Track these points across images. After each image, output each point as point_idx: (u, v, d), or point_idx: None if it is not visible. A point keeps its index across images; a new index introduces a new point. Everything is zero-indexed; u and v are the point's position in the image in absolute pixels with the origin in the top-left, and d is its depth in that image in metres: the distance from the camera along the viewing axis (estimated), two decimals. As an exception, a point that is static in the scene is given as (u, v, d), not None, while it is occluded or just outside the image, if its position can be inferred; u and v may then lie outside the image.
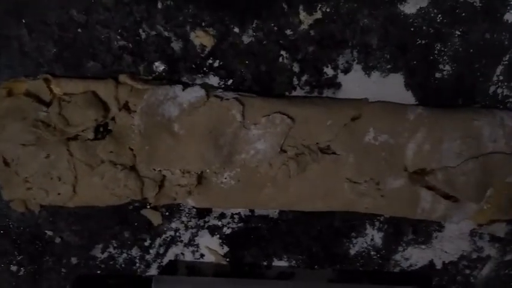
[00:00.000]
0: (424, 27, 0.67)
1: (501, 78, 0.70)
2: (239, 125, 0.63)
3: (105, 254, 0.71)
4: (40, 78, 0.62)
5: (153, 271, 0.73)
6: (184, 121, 0.63)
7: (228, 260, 0.74)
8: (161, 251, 0.72)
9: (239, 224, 0.73)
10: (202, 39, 0.65)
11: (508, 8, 0.67)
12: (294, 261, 0.75)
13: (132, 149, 0.63)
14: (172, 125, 0.63)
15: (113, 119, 0.63)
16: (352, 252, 0.75)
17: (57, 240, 0.70)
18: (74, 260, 0.71)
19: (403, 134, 0.66)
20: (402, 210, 0.69)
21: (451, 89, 0.70)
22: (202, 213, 0.72)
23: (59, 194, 0.63)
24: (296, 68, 0.68)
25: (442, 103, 0.69)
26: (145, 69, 0.66)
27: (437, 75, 0.69)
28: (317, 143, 0.65)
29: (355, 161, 0.65)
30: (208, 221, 0.72)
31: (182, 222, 0.72)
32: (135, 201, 0.69)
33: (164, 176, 0.65)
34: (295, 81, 0.68)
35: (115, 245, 0.71)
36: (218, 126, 0.63)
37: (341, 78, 0.69)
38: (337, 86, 0.69)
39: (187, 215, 0.71)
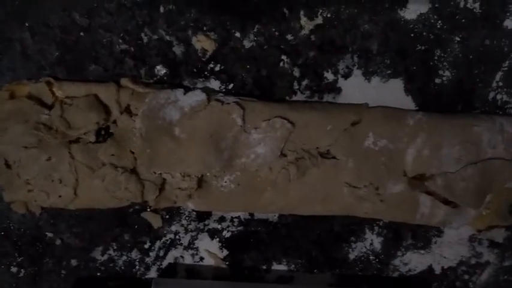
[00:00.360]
0: (424, 33, 0.68)
1: (500, 84, 0.70)
2: (240, 129, 0.64)
3: (105, 256, 0.72)
4: (42, 81, 0.63)
5: (152, 274, 0.73)
6: (185, 125, 0.63)
7: (227, 263, 0.74)
8: (161, 253, 0.73)
9: (239, 228, 0.73)
10: (203, 43, 0.66)
11: (508, 14, 0.68)
12: (293, 265, 0.75)
13: (133, 152, 0.64)
14: (173, 129, 0.63)
15: (115, 122, 0.64)
16: (352, 256, 0.75)
17: (58, 242, 0.70)
18: (74, 262, 0.71)
19: (402, 139, 0.66)
20: (401, 215, 0.69)
21: (450, 94, 0.70)
22: (202, 216, 0.72)
23: (60, 196, 0.63)
24: (297, 72, 0.68)
25: (441, 108, 0.69)
26: (147, 73, 0.66)
27: (437, 80, 0.69)
28: (317, 148, 0.65)
29: (355, 166, 0.66)
30: (208, 224, 0.72)
31: (182, 225, 0.72)
32: (136, 204, 0.69)
33: (164, 179, 0.65)
34: (296, 85, 0.68)
35: (115, 248, 0.71)
36: (219, 130, 0.63)
37: (341, 83, 0.69)
38: (338, 90, 0.69)
39: (187, 218, 0.72)
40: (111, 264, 0.72)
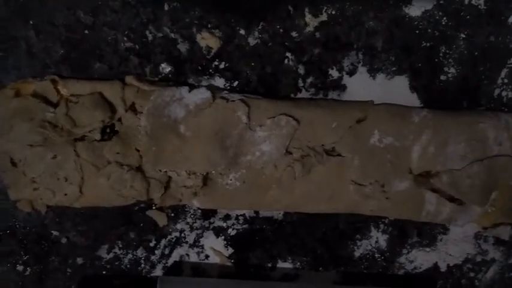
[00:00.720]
0: (429, 30, 0.68)
1: (506, 81, 0.70)
2: (245, 126, 0.64)
3: (111, 255, 0.72)
4: (47, 79, 0.63)
5: (158, 272, 0.73)
6: (191, 122, 0.63)
7: (232, 261, 0.74)
8: (166, 251, 0.73)
9: (244, 226, 0.73)
10: (208, 41, 0.66)
11: (513, 11, 0.68)
12: (298, 263, 0.75)
13: (138, 150, 0.64)
14: (178, 126, 0.63)
15: (120, 120, 0.64)
16: (357, 254, 0.75)
17: (63, 240, 0.70)
18: (79, 260, 0.71)
19: (408, 136, 0.66)
20: (407, 212, 0.69)
21: (455, 91, 0.70)
22: (207, 214, 0.72)
23: (65, 194, 0.63)
24: (301, 70, 0.68)
25: (447, 105, 0.69)
26: (152, 71, 0.66)
27: (442, 77, 0.69)
28: (322, 145, 0.65)
29: (360, 163, 0.66)
30: (213, 222, 0.72)
31: (187, 223, 0.72)
32: (141, 202, 0.69)
33: (170, 177, 0.65)
34: (301, 83, 0.68)
35: (120, 246, 0.71)
36: (224, 128, 0.63)
37: (346, 80, 0.69)
38: (342, 88, 0.69)
39: (192, 216, 0.72)
40: (116, 263, 0.72)
